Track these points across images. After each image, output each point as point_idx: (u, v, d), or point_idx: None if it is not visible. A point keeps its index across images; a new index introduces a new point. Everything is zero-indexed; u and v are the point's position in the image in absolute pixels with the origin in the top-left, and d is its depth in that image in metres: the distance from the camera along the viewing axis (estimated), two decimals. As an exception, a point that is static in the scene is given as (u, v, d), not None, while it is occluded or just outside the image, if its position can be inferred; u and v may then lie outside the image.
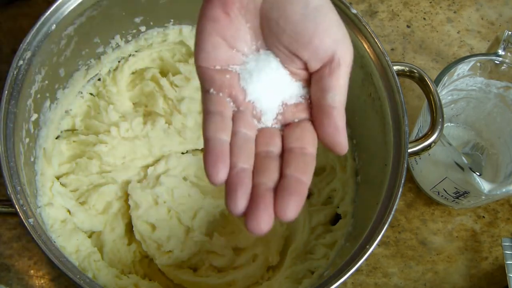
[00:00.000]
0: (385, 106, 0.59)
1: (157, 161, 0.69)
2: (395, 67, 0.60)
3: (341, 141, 0.40)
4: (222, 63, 0.42)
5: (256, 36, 0.42)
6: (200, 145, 0.71)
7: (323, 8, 0.40)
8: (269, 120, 0.41)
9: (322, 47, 0.40)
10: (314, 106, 0.41)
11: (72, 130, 0.70)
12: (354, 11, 0.61)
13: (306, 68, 0.42)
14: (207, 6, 0.41)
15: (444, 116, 0.60)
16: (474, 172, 0.62)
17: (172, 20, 0.70)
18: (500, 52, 0.67)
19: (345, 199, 0.67)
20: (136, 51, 0.72)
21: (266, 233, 0.36)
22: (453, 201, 0.71)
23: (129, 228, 0.67)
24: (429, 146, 0.59)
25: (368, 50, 0.61)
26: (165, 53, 0.73)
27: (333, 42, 0.40)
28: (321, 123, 0.40)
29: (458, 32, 0.85)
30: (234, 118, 0.41)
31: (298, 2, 0.40)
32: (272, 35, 0.42)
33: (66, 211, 0.64)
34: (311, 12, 0.40)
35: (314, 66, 0.41)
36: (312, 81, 0.42)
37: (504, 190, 0.62)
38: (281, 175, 0.38)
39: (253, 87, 0.41)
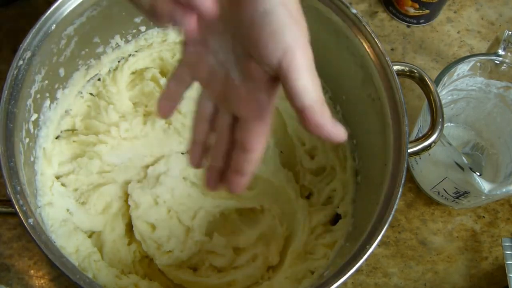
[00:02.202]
0: (385, 106, 0.59)
1: (157, 161, 0.69)
2: (395, 67, 0.60)
3: (329, 134, 0.39)
4: None
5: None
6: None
7: (272, 13, 0.39)
8: None
9: (265, 53, 0.40)
10: None
11: (72, 130, 0.70)
12: (354, 11, 0.60)
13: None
14: None
15: (444, 116, 0.60)
16: (474, 172, 0.62)
17: (172, 20, 0.70)
18: (500, 52, 0.67)
19: (345, 199, 0.67)
20: (136, 51, 0.72)
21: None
22: (453, 201, 0.71)
23: (129, 228, 0.67)
24: (429, 146, 0.59)
25: (368, 50, 0.61)
26: (165, 53, 0.73)
27: (277, 47, 0.39)
28: (304, 125, 0.40)
29: (458, 32, 0.85)
30: None
31: (248, 8, 0.40)
32: (235, 39, 0.43)
33: (66, 211, 0.64)
34: (258, 17, 0.39)
35: (268, 70, 0.41)
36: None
37: (504, 190, 0.62)
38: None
39: None
